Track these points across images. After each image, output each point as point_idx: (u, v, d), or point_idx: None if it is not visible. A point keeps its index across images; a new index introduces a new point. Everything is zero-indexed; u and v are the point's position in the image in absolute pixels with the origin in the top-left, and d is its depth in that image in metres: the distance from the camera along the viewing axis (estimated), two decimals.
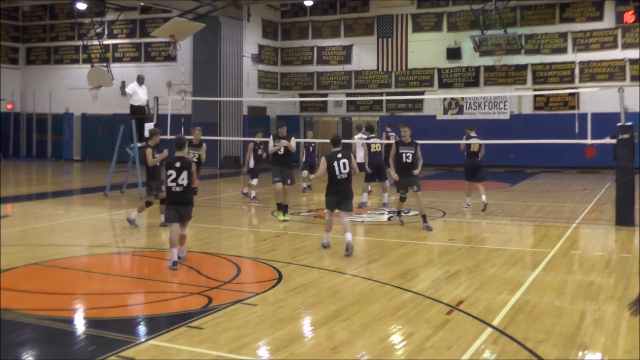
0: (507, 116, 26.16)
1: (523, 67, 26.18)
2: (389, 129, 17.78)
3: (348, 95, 28.61)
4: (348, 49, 29.19)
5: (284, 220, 12.46)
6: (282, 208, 12.71)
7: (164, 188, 9.89)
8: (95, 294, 7.59)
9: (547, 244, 10.45)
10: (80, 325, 6.49)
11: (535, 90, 25.55)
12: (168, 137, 16.34)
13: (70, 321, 6.54)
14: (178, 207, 8.73)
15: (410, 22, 27.88)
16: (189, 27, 21.92)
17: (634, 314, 4.15)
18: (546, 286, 7.77)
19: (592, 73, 25.12)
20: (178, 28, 21.14)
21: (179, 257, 8.64)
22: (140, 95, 17.88)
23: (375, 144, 15.06)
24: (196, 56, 26.76)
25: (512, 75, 26.38)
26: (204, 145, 13.64)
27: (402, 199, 11.81)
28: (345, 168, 9.70)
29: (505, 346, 5.67)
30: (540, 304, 7.01)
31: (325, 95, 29.09)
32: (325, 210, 10.09)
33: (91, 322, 6.51)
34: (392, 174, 12.26)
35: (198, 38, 25.14)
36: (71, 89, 30.37)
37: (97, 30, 27.28)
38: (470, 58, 26.81)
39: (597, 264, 9.06)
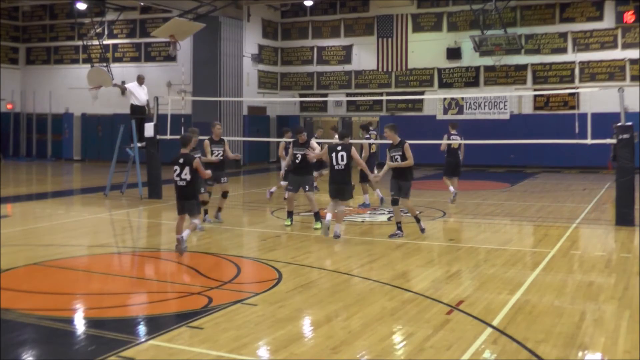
0: (507, 116, 26.16)
1: (523, 67, 26.19)
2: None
3: (348, 95, 28.61)
4: (348, 49, 29.20)
5: (288, 225, 12.25)
6: (290, 215, 12.25)
7: (202, 190, 11.20)
8: (95, 294, 7.59)
9: (547, 244, 10.45)
10: (80, 325, 6.49)
11: (535, 90, 25.55)
12: (168, 137, 16.37)
13: (70, 321, 6.54)
14: (182, 200, 9.63)
15: (410, 22, 27.88)
16: (189, 27, 21.93)
17: None
18: (546, 286, 7.77)
19: (592, 73, 25.13)
20: (178, 28, 21.14)
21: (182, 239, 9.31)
22: (140, 95, 17.88)
23: (371, 144, 15.03)
24: (196, 56, 26.76)
25: (512, 75, 26.38)
26: (225, 140, 13.52)
27: (394, 202, 11.05)
28: (342, 160, 10.63)
29: (505, 346, 5.67)
30: (540, 304, 7.01)
31: (325, 95, 29.09)
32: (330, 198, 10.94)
33: (91, 322, 6.51)
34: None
35: (198, 38, 25.14)
36: (71, 89, 30.38)
37: (97, 30, 27.28)
38: (470, 58, 26.81)
39: (597, 264, 9.06)
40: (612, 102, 15.13)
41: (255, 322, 6.31)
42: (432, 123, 26.43)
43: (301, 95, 29.62)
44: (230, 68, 26.79)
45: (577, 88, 23.65)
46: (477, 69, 26.88)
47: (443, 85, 27.45)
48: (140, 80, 18.14)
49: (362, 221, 12.83)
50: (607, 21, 24.94)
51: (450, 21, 27.39)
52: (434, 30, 27.61)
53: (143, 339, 5.87)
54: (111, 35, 28.91)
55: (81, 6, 27.15)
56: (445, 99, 26.93)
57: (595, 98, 18.17)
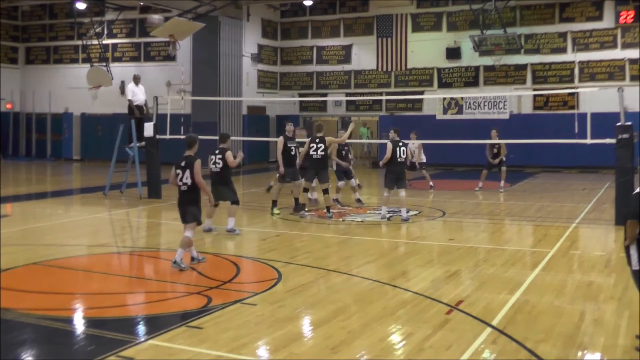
0: (506, 116, 26.14)
1: (522, 67, 26.18)
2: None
3: (347, 95, 28.60)
4: (347, 48, 29.19)
5: (275, 214, 13.25)
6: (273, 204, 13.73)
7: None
8: (94, 294, 7.59)
9: (547, 244, 10.45)
10: (79, 325, 6.49)
11: (534, 90, 25.54)
12: (167, 137, 16.37)
13: (69, 321, 6.54)
14: (183, 206, 8.87)
15: (410, 22, 27.87)
16: (188, 27, 21.91)
17: None
18: (546, 286, 7.77)
19: (592, 73, 25.12)
20: (177, 28, 21.12)
21: (174, 262, 8.37)
22: (138, 94, 17.87)
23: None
24: (196, 56, 26.75)
25: (512, 75, 26.37)
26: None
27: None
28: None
29: (504, 346, 5.67)
30: (539, 303, 7.01)
31: (325, 95, 29.08)
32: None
33: (91, 322, 6.50)
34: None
35: (197, 38, 25.13)
36: (71, 89, 30.36)
37: (97, 30, 27.27)
38: (470, 58, 26.80)
39: (597, 263, 9.06)
40: (611, 102, 15.13)
41: (254, 322, 6.31)
42: (431, 123, 26.43)
43: (301, 95, 29.61)
44: (229, 68, 26.78)
45: (577, 88, 23.63)
46: (477, 68, 26.88)
47: (442, 85, 27.44)
48: (137, 79, 18.11)
49: (362, 221, 12.83)
50: (607, 21, 24.93)
51: (449, 21, 27.37)
52: (433, 30, 27.59)
53: (142, 339, 5.87)
54: (111, 35, 28.90)
55: (81, 6, 27.14)
56: (444, 98, 26.92)
57: (595, 98, 18.18)
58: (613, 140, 12.25)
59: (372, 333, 5.99)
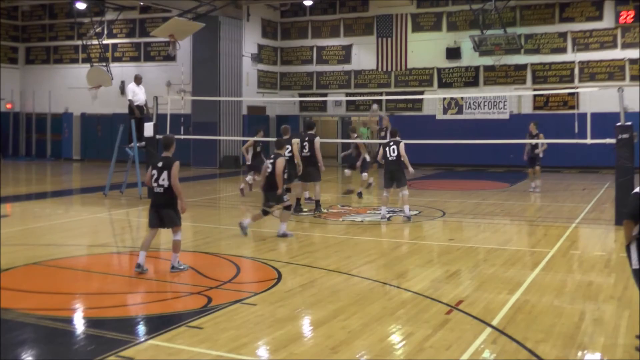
0: (506, 116, 26.14)
1: (523, 67, 26.17)
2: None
3: (347, 95, 28.60)
4: (347, 48, 29.18)
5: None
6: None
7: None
8: (94, 294, 7.59)
9: (547, 244, 10.45)
10: (79, 324, 6.49)
11: (534, 90, 25.53)
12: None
13: (69, 321, 6.54)
14: (158, 208, 8.41)
15: (410, 22, 27.86)
16: (188, 27, 21.91)
17: None
18: (546, 286, 7.77)
19: (592, 73, 25.12)
20: (177, 28, 21.13)
21: (172, 267, 8.31)
22: (138, 94, 17.87)
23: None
24: (196, 56, 26.75)
25: (512, 75, 26.37)
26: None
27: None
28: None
29: (504, 346, 5.67)
30: (539, 303, 7.01)
31: (325, 95, 29.07)
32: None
33: (91, 322, 6.51)
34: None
35: (197, 38, 25.13)
36: (71, 89, 30.36)
37: (97, 30, 27.27)
38: (470, 58, 26.79)
39: (597, 263, 9.06)
40: (611, 102, 15.13)
41: (254, 321, 6.31)
42: (431, 123, 26.43)
43: (301, 95, 29.60)
44: (229, 68, 26.78)
45: (577, 88, 23.64)
46: (477, 68, 26.87)
47: (442, 85, 27.43)
48: (138, 80, 18.12)
49: (362, 221, 12.83)
50: (607, 21, 24.93)
51: (449, 21, 27.37)
52: (433, 30, 27.59)
53: (142, 339, 5.87)
54: (111, 35, 28.90)
55: (80, 6, 27.12)
56: (444, 98, 26.91)
57: (595, 98, 18.17)
58: (613, 140, 12.25)
59: (372, 333, 5.99)
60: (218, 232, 11.83)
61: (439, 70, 27.46)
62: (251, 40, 28.36)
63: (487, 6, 24.45)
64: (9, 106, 31.51)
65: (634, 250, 5.65)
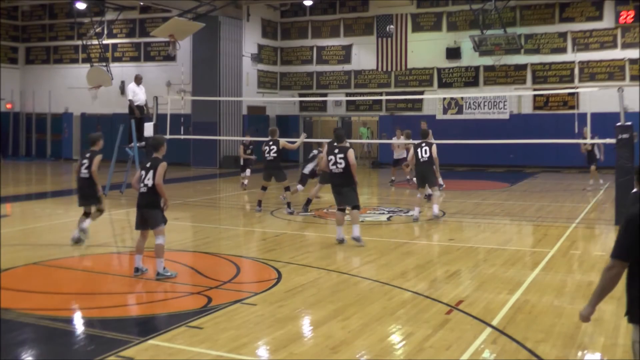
0: (506, 116, 26.16)
1: (523, 67, 26.18)
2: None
3: (347, 95, 28.60)
4: (347, 48, 29.19)
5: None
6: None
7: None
8: (94, 294, 7.59)
9: (547, 244, 10.45)
10: (79, 324, 6.49)
11: (534, 90, 25.54)
12: (167, 137, 16.32)
13: (69, 321, 6.54)
14: (141, 209, 8.30)
15: (410, 22, 27.88)
16: (188, 27, 21.91)
17: None
18: (546, 286, 7.77)
19: (592, 73, 25.12)
20: (177, 27, 21.12)
21: (158, 274, 8.07)
22: (139, 94, 17.87)
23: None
24: (196, 56, 26.75)
25: (512, 75, 26.38)
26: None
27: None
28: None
29: (504, 346, 5.67)
30: (539, 303, 7.01)
31: (325, 95, 29.08)
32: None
33: (90, 322, 6.51)
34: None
35: (197, 38, 25.13)
36: (70, 89, 30.37)
37: (97, 30, 27.27)
38: (470, 58, 26.80)
39: (597, 263, 9.05)
40: (611, 102, 15.13)
41: (254, 321, 6.31)
42: (431, 123, 26.37)
43: (301, 95, 29.61)
44: (229, 68, 26.78)
45: (577, 88, 23.63)
46: (477, 68, 26.88)
47: (442, 85, 27.44)
48: (138, 80, 18.12)
49: (362, 221, 12.81)
50: (607, 21, 24.94)
51: (449, 21, 27.38)
52: (433, 30, 27.60)
53: (142, 339, 5.87)
54: (111, 35, 28.91)
55: (80, 6, 27.13)
56: (444, 98, 26.92)
57: (595, 98, 18.16)
58: (613, 140, 12.25)
59: (372, 333, 5.99)
60: (218, 232, 11.83)
61: (439, 70, 27.47)
62: (251, 40, 28.37)
63: (487, 6, 24.46)
64: (9, 106, 31.51)
65: None
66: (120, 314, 6.85)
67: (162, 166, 8.23)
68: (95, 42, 27.67)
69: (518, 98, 26.00)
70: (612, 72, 24.80)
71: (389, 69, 28.28)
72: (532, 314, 6.60)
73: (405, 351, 5.58)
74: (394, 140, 19.67)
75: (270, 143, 13.78)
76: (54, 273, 8.55)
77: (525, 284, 7.83)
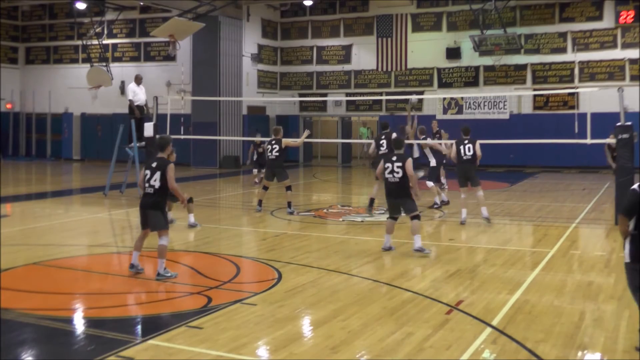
0: (506, 116, 26.16)
1: (522, 67, 26.18)
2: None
3: (347, 95, 28.61)
4: (347, 48, 29.19)
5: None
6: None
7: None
8: (94, 294, 7.59)
9: (547, 244, 10.45)
10: (79, 324, 6.49)
11: (534, 90, 25.54)
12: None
13: (69, 321, 6.54)
14: (145, 209, 8.21)
15: (410, 22, 27.88)
16: (188, 27, 21.90)
17: None
18: (546, 286, 7.77)
19: (592, 73, 25.13)
20: (177, 28, 21.12)
21: (158, 274, 8.05)
22: (139, 94, 17.87)
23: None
24: (196, 56, 26.75)
25: (512, 75, 26.38)
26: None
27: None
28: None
29: (504, 346, 5.67)
30: (539, 303, 7.01)
31: (325, 95, 29.09)
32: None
33: (90, 322, 6.50)
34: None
35: (197, 38, 25.13)
36: (71, 89, 30.37)
37: (97, 30, 27.26)
38: (470, 58, 26.81)
39: (597, 263, 9.06)
40: (611, 102, 15.12)
41: (254, 321, 6.31)
42: (431, 123, 26.38)
43: (301, 95, 29.61)
44: (229, 68, 26.78)
45: (577, 88, 23.64)
46: (477, 68, 26.88)
47: (442, 85, 27.45)
48: (138, 80, 18.12)
49: (362, 221, 12.83)
50: (607, 21, 24.94)
51: (449, 21, 27.38)
52: (433, 30, 27.60)
53: (142, 339, 5.87)
54: (111, 35, 28.90)
55: (80, 6, 27.13)
56: (444, 98, 26.93)
57: (595, 98, 18.16)
58: (613, 140, 12.24)
59: (372, 333, 5.99)
60: (218, 232, 11.83)
61: (439, 70, 27.47)
62: (251, 40, 28.37)
63: (487, 6, 24.46)
64: (9, 106, 31.51)
65: (627, 245, 5.71)
66: (120, 314, 6.85)
67: (171, 168, 8.17)
68: (95, 42, 27.67)
69: (518, 98, 26.01)
70: (612, 72, 24.80)
71: (389, 69, 28.29)
72: (532, 314, 6.60)
73: (405, 351, 5.58)
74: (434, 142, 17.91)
75: (273, 142, 13.84)
76: (54, 273, 8.55)
77: (525, 284, 7.83)
